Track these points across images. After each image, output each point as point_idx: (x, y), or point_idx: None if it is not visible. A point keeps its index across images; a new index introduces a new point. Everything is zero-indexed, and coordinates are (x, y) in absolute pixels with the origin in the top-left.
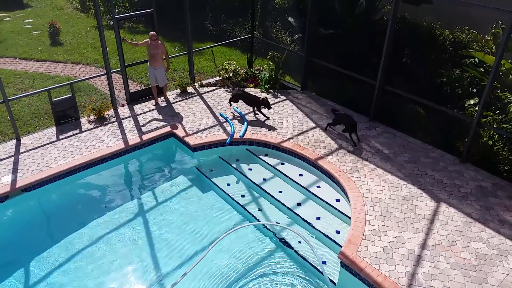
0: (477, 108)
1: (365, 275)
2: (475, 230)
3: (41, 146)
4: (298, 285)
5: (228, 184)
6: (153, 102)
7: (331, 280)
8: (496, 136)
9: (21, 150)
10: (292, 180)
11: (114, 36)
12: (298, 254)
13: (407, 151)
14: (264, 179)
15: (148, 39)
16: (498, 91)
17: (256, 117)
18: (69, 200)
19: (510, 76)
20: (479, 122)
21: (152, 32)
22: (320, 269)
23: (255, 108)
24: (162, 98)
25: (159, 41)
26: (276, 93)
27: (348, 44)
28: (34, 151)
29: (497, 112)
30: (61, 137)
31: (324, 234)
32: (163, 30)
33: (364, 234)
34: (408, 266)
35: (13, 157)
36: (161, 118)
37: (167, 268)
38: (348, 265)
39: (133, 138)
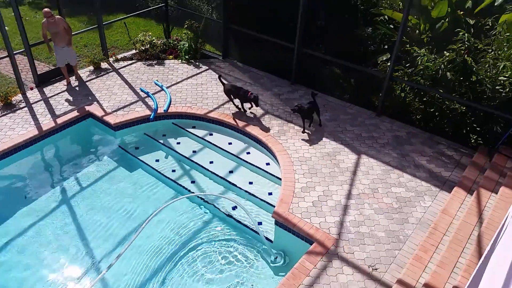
0: (389, 64)
1: (298, 230)
2: (394, 176)
3: None
4: (238, 247)
5: (157, 160)
6: (64, 82)
7: (267, 238)
8: (408, 88)
9: None
10: (222, 149)
11: (13, 14)
12: (235, 219)
13: (327, 110)
14: (194, 151)
15: (44, 19)
16: (407, 45)
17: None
18: None
19: (417, 31)
20: (391, 76)
21: (45, 9)
22: (255, 229)
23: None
24: (74, 77)
25: (57, 17)
26: (197, 63)
27: (265, 9)
28: None
29: (407, 65)
30: None
31: (257, 197)
32: (68, 4)
33: (294, 192)
34: (337, 216)
35: None
36: (75, 98)
37: (102, 251)
38: (282, 223)
39: (47, 122)
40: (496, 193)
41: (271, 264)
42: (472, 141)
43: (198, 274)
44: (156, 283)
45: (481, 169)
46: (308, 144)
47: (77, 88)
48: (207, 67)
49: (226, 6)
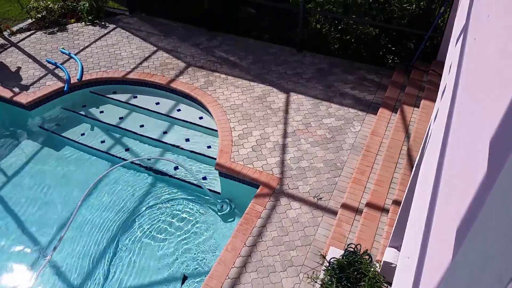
0: None
1: (242, 176)
2: (323, 108)
3: None
4: (186, 204)
5: (83, 134)
6: None
7: (214, 191)
8: (322, 18)
9: None
10: (150, 110)
11: None
12: (178, 179)
13: (250, 53)
14: (121, 118)
15: None
16: None
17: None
18: None
19: None
20: (304, 9)
21: None
22: (198, 184)
23: None
24: None
25: None
26: (103, 22)
27: None
28: None
29: None
30: None
31: (196, 152)
32: None
33: (233, 141)
34: (277, 156)
35: None
36: None
37: (45, 238)
38: (225, 173)
39: None
40: (418, 107)
41: (219, 213)
42: (390, 61)
43: (150, 236)
44: (109, 253)
45: (401, 87)
46: (238, 91)
47: None
48: (114, 26)
49: None
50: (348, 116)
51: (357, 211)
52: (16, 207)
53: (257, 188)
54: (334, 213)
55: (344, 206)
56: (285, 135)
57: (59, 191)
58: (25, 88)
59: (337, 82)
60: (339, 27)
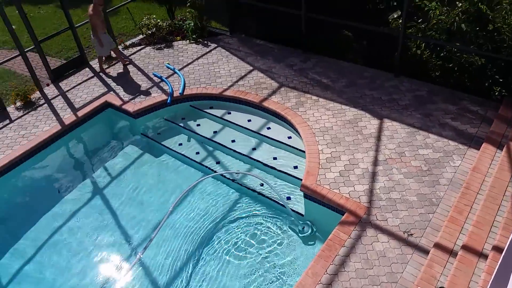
0: (400, 21)
1: (328, 201)
2: (420, 138)
3: None
4: (268, 223)
5: (180, 144)
6: (91, 71)
7: (296, 211)
8: (423, 45)
9: None
10: (242, 127)
11: (17, 12)
12: (263, 195)
13: (343, 76)
14: (215, 132)
15: (91, 8)
16: (417, 0)
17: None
18: (19, 194)
19: None
20: (405, 34)
21: None
22: (282, 203)
23: None
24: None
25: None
26: (205, 41)
27: None
28: None
29: (419, 21)
30: None
31: (283, 172)
32: None
33: (320, 163)
34: (365, 184)
35: None
36: (92, 90)
37: (137, 237)
38: (310, 195)
39: (68, 116)
40: None
41: (300, 234)
42: (496, 93)
43: (230, 251)
44: (192, 262)
45: (508, 122)
46: (328, 114)
47: (92, 80)
48: (216, 45)
49: None
50: (447, 149)
51: (452, 252)
52: (115, 205)
53: (342, 215)
54: (426, 252)
55: (438, 245)
56: (376, 162)
57: (154, 194)
58: (133, 97)
59: (436, 111)
60: (441, 54)
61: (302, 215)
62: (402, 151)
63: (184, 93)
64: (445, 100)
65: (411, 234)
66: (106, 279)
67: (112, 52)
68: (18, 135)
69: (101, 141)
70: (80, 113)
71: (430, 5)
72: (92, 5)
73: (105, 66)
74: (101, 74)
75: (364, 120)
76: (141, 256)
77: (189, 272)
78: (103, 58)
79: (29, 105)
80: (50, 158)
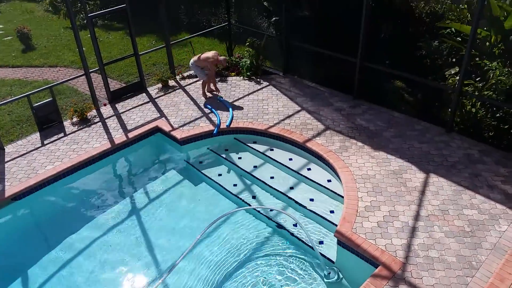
0: (458, 78)
1: (362, 251)
2: (466, 198)
3: (26, 153)
4: (295, 264)
5: (220, 175)
6: (148, 97)
7: (327, 258)
8: (479, 103)
9: (6, 159)
10: (283, 164)
11: (89, 35)
12: (294, 236)
13: (392, 126)
14: (255, 167)
15: (214, 59)
16: (477, 59)
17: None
18: (61, 205)
19: (487, 43)
20: (461, 91)
21: (223, 58)
22: (311, 245)
23: None
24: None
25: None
26: (258, 79)
27: (325, 23)
28: (20, 158)
29: (477, 79)
30: (45, 142)
31: (318, 214)
32: (137, 25)
33: (358, 211)
34: (404, 238)
35: None
36: (145, 114)
37: (165, 261)
38: (344, 243)
39: (119, 136)
40: None
41: (325, 280)
42: None
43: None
44: None
45: None
46: (372, 161)
47: (147, 105)
48: (268, 83)
49: (286, 22)
50: (494, 212)
51: None
52: (149, 227)
53: (376, 267)
54: None
55: None
56: (417, 217)
57: (187, 221)
58: (182, 125)
59: (486, 172)
60: (497, 115)
61: (333, 262)
62: (446, 209)
63: (231, 126)
64: (497, 161)
65: None
66: None
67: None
68: (69, 149)
69: (146, 163)
70: (131, 135)
71: (490, 65)
72: (213, 59)
73: (160, 94)
74: (156, 100)
75: (410, 172)
76: (163, 279)
77: None
78: (206, 84)
79: (84, 122)
80: (96, 174)
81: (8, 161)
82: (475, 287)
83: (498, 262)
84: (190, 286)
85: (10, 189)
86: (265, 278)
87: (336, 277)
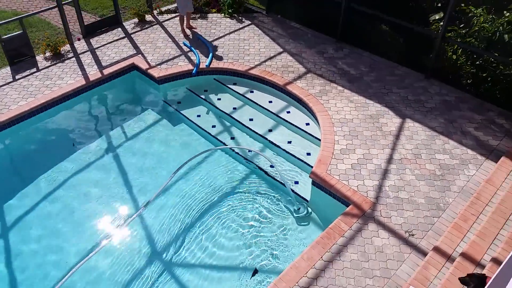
0: (441, 23)
1: (335, 191)
2: (439, 143)
3: None
4: (267, 201)
5: (198, 116)
6: (123, 32)
7: (301, 197)
8: (460, 50)
9: None
10: (262, 107)
11: None
12: (269, 176)
13: (373, 70)
14: (234, 108)
15: None
16: (463, 4)
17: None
18: (35, 142)
19: None
20: (444, 36)
21: None
22: (283, 182)
23: None
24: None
25: None
26: (240, 17)
27: None
28: None
29: (461, 26)
30: (17, 77)
31: (295, 156)
32: None
33: (334, 154)
34: (376, 180)
35: None
36: (120, 50)
37: (140, 196)
38: (319, 183)
39: (94, 73)
40: None
41: (294, 214)
42: None
43: (226, 223)
44: (186, 228)
45: None
46: (351, 106)
47: (122, 41)
48: (250, 22)
49: None
50: (464, 157)
51: (449, 258)
52: (125, 164)
53: (347, 206)
54: (424, 253)
55: (437, 249)
56: (390, 161)
57: (164, 160)
58: (160, 63)
59: (461, 119)
60: (477, 63)
61: (307, 201)
62: (419, 153)
63: (210, 66)
64: (472, 109)
65: (413, 235)
66: (105, 229)
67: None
68: (43, 85)
69: (122, 101)
70: (106, 71)
71: (475, 11)
72: None
73: (137, 29)
74: (132, 35)
75: (386, 117)
76: (142, 210)
77: (182, 237)
78: (184, 19)
79: (57, 57)
80: (70, 111)
81: None
82: (440, 226)
83: (464, 204)
84: (166, 222)
85: None
86: (239, 212)
87: (305, 212)
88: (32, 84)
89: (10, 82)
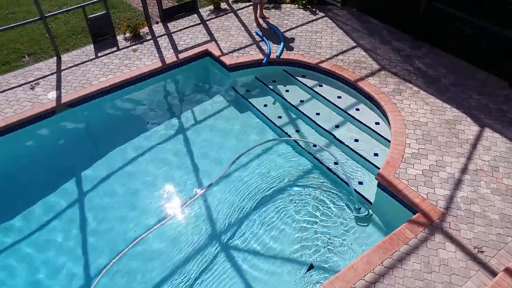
0: None
1: (402, 196)
2: None
3: (81, 63)
4: (328, 198)
5: (265, 105)
6: (199, 19)
7: (365, 198)
8: None
9: (62, 67)
10: (330, 102)
11: None
12: (332, 172)
13: (452, 73)
14: (302, 101)
15: None
16: None
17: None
18: (112, 116)
19: None
20: None
21: None
22: (347, 181)
23: None
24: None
25: None
26: (314, 9)
27: None
28: (75, 68)
29: None
30: (99, 54)
31: (361, 156)
32: None
33: (404, 157)
34: (447, 189)
35: (55, 74)
36: (195, 36)
37: (206, 175)
38: (385, 186)
39: (170, 56)
40: None
41: (354, 213)
42: None
43: (286, 215)
44: (245, 215)
45: None
46: (426, 108)
47: (197, 27)
48: (323, 14)
49: None
50: None
51: None
52: (193, 144)
53: (414, 214)
54: (493, 273)
55: (509, 271)
56: (464, 171)
57: (228, 146)
58: (232, 51)
59: None
60: None
61: (370, 202)
62: (497, 166)
63: (281, 57)
64: None
65: (482, 252)
66: (168, 205)
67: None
68: (122, 64)
69: (193, 86)
70: (181, 56)
71: None
72: None
73: (212, 17)
74: (207, 23)
75: (464, 124)
76: (204, 192)
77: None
78: (257, 8)
79: (137, 38)
80: (145, 91)
81: (64, 70)
82: None
83: None
84: (225, 207)
85: (66, 96)
86: (297, 205)
87: (366, 213)
88: (113, 62)
89: (93, 59)
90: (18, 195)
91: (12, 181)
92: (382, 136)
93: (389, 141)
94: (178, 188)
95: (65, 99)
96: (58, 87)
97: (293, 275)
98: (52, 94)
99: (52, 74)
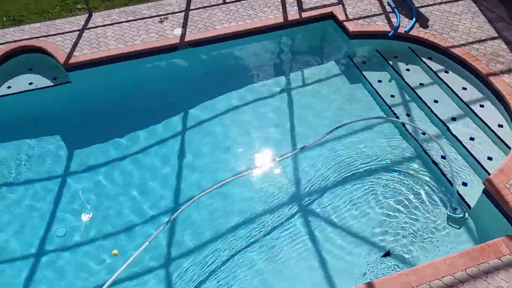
0: None
1: (508, 209)
2: None
3: (208, 6)
4: (424, 190)
5: (379, 81)
6: None
7: (465, 201)
8: None
9: (191, 7)
10: (453, 91)
11: None
12: (436, 165)
13: None
14: (421, 84)
15: None
16: None
17: None
18: (226, 62)
19: None
20: None
21: None
22: (451, 180)
23: None
24: None
25: None
26: None
27: None
28: (202, 10)
29: None
30: (227, 0)
31: (473, 156)
32: None
33: None
34: None
35: (183, 12)
36: None
37: (301, 139)
38: (491, 194)
39: (293, 13)
40: None
41: (449, 212)
42: None
43: (374, 196)
44: (331, 185)
45: None
46: None
47: None
48: None
49: None
50: None
51: None
52: (293, 107)
53: None
54: None
55: None
56: None
57: (331, 114)
58: (357, 18)
59: None
60: None
61: (469, 207)
62: None
63: (410, 33)
64: None
65: None
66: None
67: None
68: (246, 13)
69: (310, 47)
70: (304, 14)
71: None
72: None
73: None
74: None
75: None
76: (295, 153)
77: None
78: None
79: None
80: (262, 44)
81: (192, 10)
82: None
83: None
84: (312, 173)
85: (190, 35)
86: (388, 190)
87: (461, 215)
88: (238, 11)
89: (220, 4)
90: (129, 116)
91: (128, 103)
92: (502, 141)
93: (510, 148)
94: (271, 143)
95: (188, 37)
96: (184, 25)
97: (367, 257)
98: (178, 31)
99: (181, 11)
